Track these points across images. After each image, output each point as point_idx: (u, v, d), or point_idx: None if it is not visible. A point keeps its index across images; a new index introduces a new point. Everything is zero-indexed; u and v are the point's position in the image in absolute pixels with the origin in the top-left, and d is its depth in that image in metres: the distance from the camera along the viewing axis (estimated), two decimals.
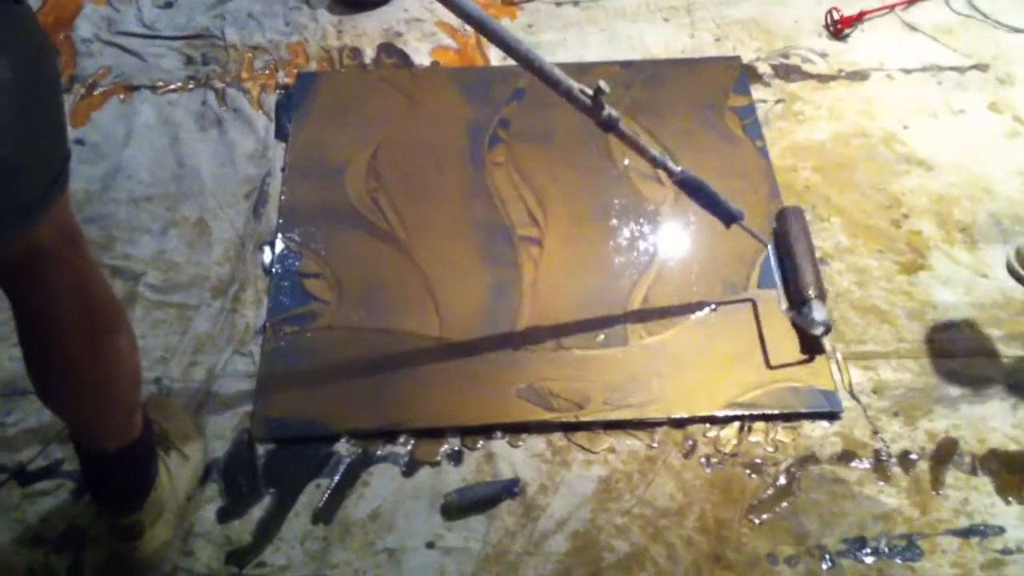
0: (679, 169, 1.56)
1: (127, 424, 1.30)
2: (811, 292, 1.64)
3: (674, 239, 1.81)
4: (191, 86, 2.10)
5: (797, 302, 1.66)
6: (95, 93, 2.09)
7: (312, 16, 2.26)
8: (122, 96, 2.08)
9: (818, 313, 1.61)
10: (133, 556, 1.40)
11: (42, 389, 1.22)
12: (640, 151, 1.53)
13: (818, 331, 1.62)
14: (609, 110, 1.45)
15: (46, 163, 1.00)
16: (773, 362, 1.64)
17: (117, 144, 1.98)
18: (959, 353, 1.68)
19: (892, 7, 2.24)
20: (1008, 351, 1.68)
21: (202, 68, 2.14)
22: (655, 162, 1.54)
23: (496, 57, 2.16)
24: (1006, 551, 1.45)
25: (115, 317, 1.20)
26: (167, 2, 2.29)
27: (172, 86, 2.10)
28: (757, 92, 2.07)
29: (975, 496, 1.51)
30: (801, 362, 1.64)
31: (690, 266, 1.77)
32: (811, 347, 1.65)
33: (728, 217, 1.62)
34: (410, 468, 1.54)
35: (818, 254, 1.78)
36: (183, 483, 1.47)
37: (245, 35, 2.21)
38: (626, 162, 1.92)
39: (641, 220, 1.84)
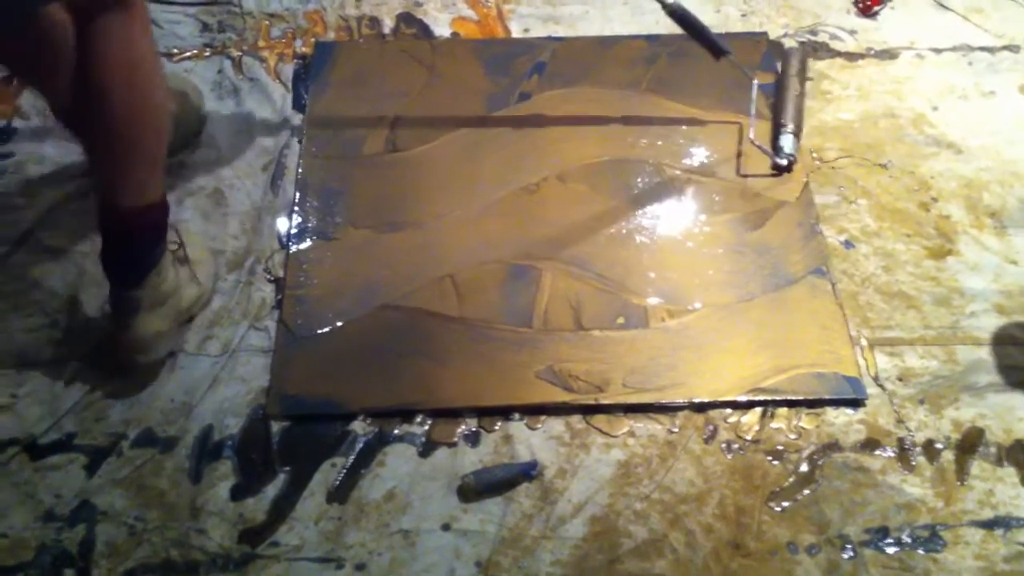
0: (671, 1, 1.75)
1: (144, 184, 1.45)
2: (787, 125, 1.85)
3: (697, 220, 1.78)
4: (207, 54, 2.07)
5: (775, 132, 1.87)
6: None
7: None
8: None
9: (786, 143, 1.83)
10: (127, 335, 1.52)
11: (78, 116, 1.36)
12: None
13: (783, 161, 1.82)
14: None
15: None
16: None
17: None
18: (986, 341, 1.64)
19: None
20: None
21: (218, 36, 2.11)
22: None
23: (517, 29, 2.12)
24: None
25: (153, 77, 1.37)
26: None
27: (188, 53, 2.07)
28: None
29: (1000, 487, 1.49)
30: (769, 175, 1.84)
31: (714, 249, 1.74)
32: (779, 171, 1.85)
33: (718, 51, 1.77)
34: (427, 449, 1.52)
35: (844, 236, 1.76)
36: (188, 295, 1.61)
37: (262, 2, 2.17)
38: (643, 141, 1.89)
39: (663, 200, 1.81)
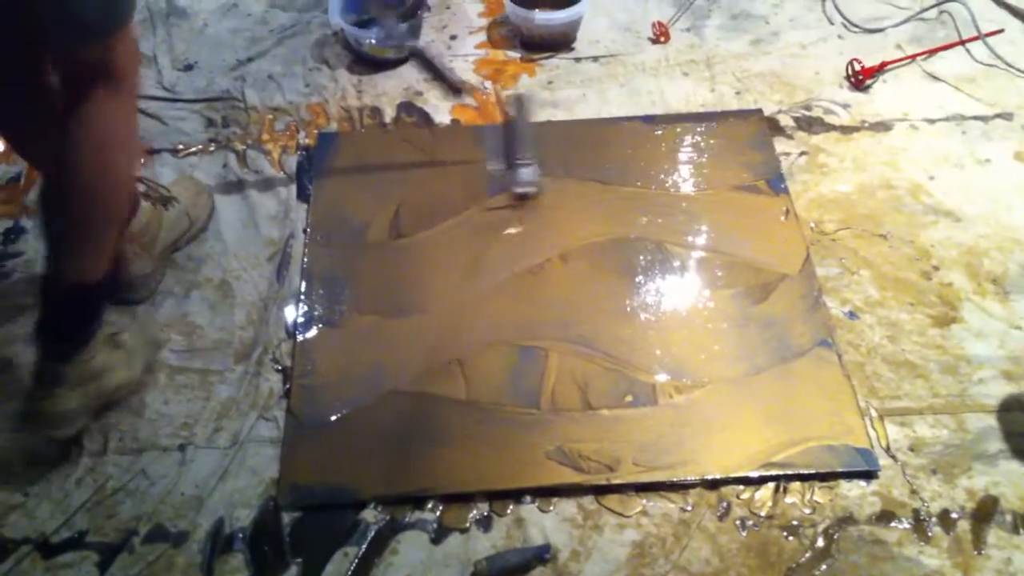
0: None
1: (87, 264, 1.48)
2: (519, 158, 1.95)
3: (701, 296, 1.79)
4: (212, 148, 2.11)
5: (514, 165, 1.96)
6: None
7: (332, 76, 2.27)
8: (143, 159, 2.08)
9: (528, 174, 1.94)
10: (44, 406, 1.53)
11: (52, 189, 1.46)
12: None
13: (519, 189, 1.94)
14: None
15: None
16: None
17: None
18: (995, 408, 1.64)
19: (913, 57, 2.24)
20: None
21: (223, 130, 2.15)
22: None
23: None
24: None
25: (120, 162, 1.45)
26: (187, 64, 2.31)
27: (193, 149, 2.11)
28: (780, 145, 2.06)
29: (1018, 555, 1.47)
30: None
31: (719, 323, 1.75)
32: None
33: (455, 89, 2.15)
34: (439, 535, 1.51)
35: (847, 307, 1.77)
36: (116, 378, 1.62)
37: (265, 96, 2.22)
38: (644, 220, 1.91)
39: (666, 277, 1.82)
